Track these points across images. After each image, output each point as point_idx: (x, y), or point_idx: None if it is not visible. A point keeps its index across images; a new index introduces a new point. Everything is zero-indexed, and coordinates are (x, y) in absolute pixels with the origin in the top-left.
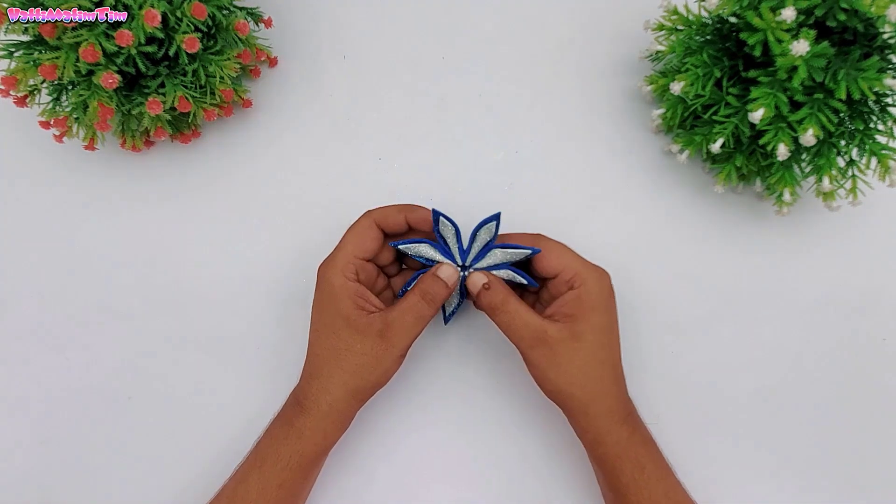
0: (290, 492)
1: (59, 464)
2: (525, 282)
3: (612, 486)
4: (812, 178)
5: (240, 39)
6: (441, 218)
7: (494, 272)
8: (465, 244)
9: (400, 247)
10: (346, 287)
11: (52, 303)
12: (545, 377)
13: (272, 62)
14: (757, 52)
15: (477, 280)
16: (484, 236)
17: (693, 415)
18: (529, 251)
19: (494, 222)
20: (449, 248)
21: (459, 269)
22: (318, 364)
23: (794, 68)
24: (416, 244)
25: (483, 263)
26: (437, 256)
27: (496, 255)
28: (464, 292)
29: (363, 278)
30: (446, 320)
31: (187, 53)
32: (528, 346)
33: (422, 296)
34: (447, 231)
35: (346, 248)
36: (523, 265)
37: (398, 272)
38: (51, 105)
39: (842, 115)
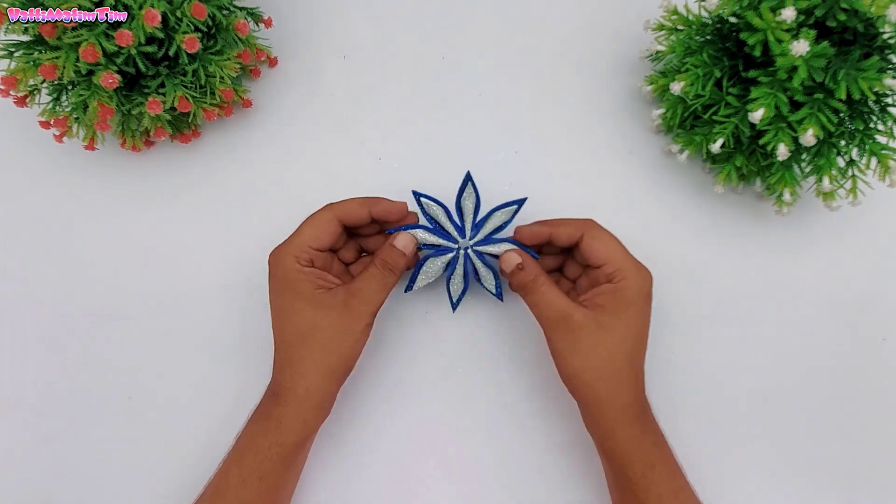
0: (273, 483)
1: (59, 464)
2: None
3: (620, 482)
4: (812, 178)
5: (240, 39)
6: (423, 199)
7: (495, 246)
8: (467, 221)
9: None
10: (301, 272)
11: (52, 303)
12: (565, 361)
13: (272, 62)
14: (757, 52)
15: (511, 259)
16: (469, 205)
17: (693, 414)
18: (516, 205)
19: (469, 184)
20: (442, 227)
21: (459, 247)
22: (286, 350)
23: (794, 68)
24: (412, 230)
25: (484, 232)
26: (433, 239)
27: (497, 217)
28: (468, 278)
29: (318, 265)
30: (454, 307)
31: (187, 53)
32: (551, 326)
33: (381, 266)
34: (434, 210)
35: (301, 237)
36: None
37: (356, 258)
38: (51, 105)
39: (842, 115)
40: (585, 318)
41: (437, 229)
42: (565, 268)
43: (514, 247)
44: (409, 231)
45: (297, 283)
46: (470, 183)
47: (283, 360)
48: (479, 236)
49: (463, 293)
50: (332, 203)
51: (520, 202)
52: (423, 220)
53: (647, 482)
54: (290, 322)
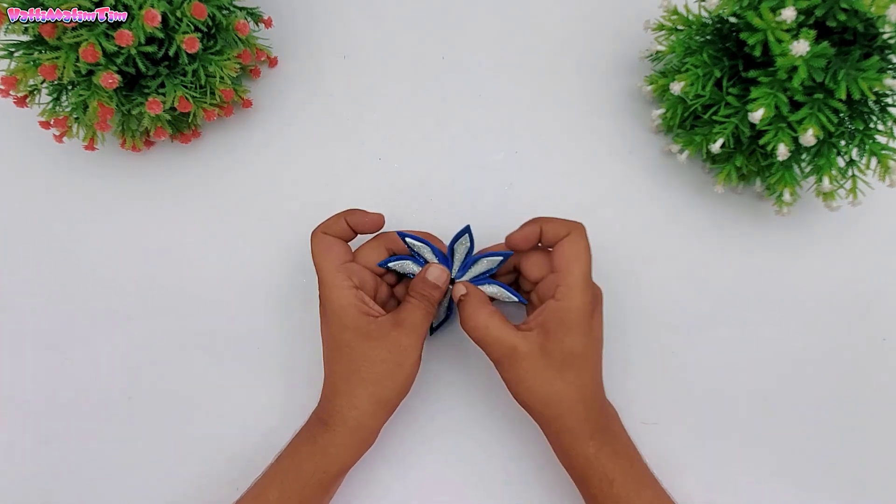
0: None
1: (59, 464)
2: (515, 299)
3: (585, 496)
4: (812, 178)
5: (240, 39)
6: (408, 240)
7: (481, 286)
8: (456, 263)
9: (389, 265)
10: (345, 296)
11: (53, 302)
12: (513, 389)
13: (272, 62)
14: (757, 52)
15: (456, 291)
16: (461, 250)
17: (693, 414)
18: (501, 257)
19: (466, 234)
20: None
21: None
22: (337, 381)
23: (794, 68)
24: (402, 261)
25: (469, 275)
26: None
27: (482, 264)
28: (451, 311)
29: (358, 282)
30: (431, 332)
31: (187, 53)
32: (495, 358)
33: (420, 298)
34: (421, 249)
35: (323, 266)
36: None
37: (399, 280)
38: (51, 105)
39: (842, 115)
40: (530, 347)
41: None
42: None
43: (497, 285)
44: (401, 262)
45: (343, 312)
46: (468, 234)
47: (332, 389)
48: (465, 278)
49: (443, 322)
50: (314, 229)
51: (506, 255)
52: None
53: (606, 497)
54: (342, 354)
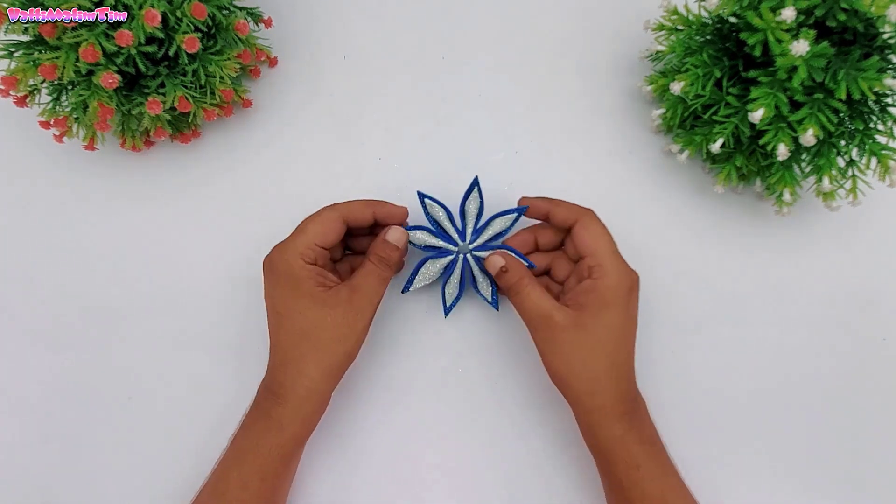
0: (272, 483)
1: (59, 464)
2: (525, 263)
3: (608, 479)
4: (812, 178)
5: (240, 39)
6: (427, 200)
7: (491, 252)
8: (469, 225)
9: None
10: (306, 269)
11: (52, 303)
12: (546, 361)
13: (272, 62)
14: (757, 52)
15: (495, 262)
16: (472, 208)
17: (693, 414)
18: (516, 213)
19: (476, 189)
20: (444, 230)
21: (458, 252)
22: (286, 350)
23: (794, 68)
24: (413, 231)
25: (483, 238)
26: (434, 241)
27: (497, 224)
28: (463, 285)
29: (320, 264)
30: (446, 313)
31: (187, 53)
32: (534, 327)
33: (377, 261)
34: (437, 212)
35: (306, 234)
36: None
37: (342, 257)
38: (51, 105)
39: (842, 115)
40: (566, 318)
41: (439, 231)
42: (553, 269)
43: (506, 250)
44: (412, 231)
45: (302, 281)
46: (476, 188)
47: (282, 359)
48: (479, 242)
49: (457, 299)
50: (335, 203)
51: (520, 210)
52: (425, 222)
53: (631, 482)
54: (292, 321)
